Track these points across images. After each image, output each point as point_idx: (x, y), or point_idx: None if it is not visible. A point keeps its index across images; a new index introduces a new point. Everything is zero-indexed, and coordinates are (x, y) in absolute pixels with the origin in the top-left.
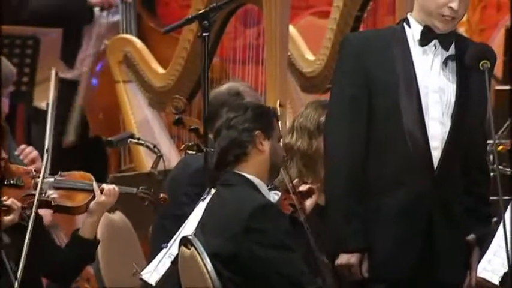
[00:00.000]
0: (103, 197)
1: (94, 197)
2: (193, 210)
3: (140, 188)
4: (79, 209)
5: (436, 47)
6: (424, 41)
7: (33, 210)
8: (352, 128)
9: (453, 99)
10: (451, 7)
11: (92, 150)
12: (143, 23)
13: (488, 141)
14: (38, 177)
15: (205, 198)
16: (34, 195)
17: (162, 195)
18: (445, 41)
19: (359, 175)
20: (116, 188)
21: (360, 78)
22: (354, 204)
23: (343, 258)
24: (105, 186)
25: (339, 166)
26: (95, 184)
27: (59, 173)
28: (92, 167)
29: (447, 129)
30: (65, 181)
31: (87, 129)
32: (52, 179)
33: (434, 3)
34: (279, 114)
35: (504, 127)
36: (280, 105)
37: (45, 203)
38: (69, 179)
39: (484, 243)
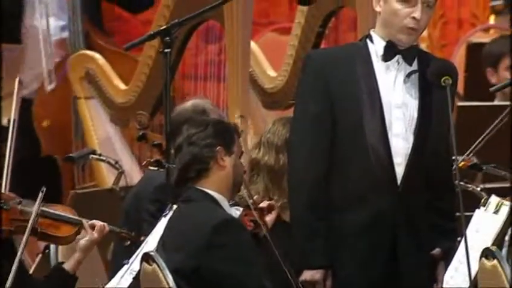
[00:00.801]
0: (95, 234)
1: (79, 230)
2: (154, 226)
3: (122, 228)
4: (64, 239)
5: (399, 63)
6: (387, 56)
7: (25, 237)
8: (315, 145)
9: (416, 115)
10: (414, 17)
11: (44, 168)
12: (91, 40)
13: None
14: (20, 203)
15: (167, 214)
16: (20, 220)
17: (143, 238)
18: (407, 56)
19: (322, 192)
20: (107, 227)
21: (323, 95)
22: (317, 221)
23: (307, 275)
24: (95, 222)
25: (302, 183)
26: (85, 221)
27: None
28: (45, 184)
29: (410, 145)
30: (52, 211)
31: (39, 147)
32: (37, 207)
33: (397, 15)
34: (239, 125)
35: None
36: (241, 117)
37: (31, 230)
38: (56, 210)
39: (449, 258)
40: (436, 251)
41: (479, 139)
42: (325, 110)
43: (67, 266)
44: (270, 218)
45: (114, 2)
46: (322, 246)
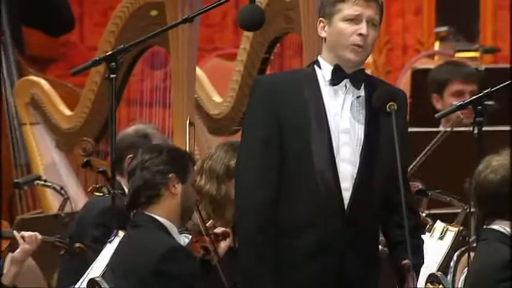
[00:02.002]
0: (27, 245)
1: (11, 243)
2: (99, 251)
3: (56, 236)
4: None
5: (346, 87)
6: (335, 80)
7: None
8: (263, 170)
9: (362, 140)
10: (360, 34)
11: None
12: (22, 68)
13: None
14: None
15: (113, 239)
16: None
17: (77, 244)
18: (355, 80)
19: (270, 217)
20: (39, 236)
21: (272, 120)
22: (264, 246)
23: None
24: (25, 233)
25: (249, 207)
26: (16, 232)
27: None
28: None
29: (356, 170)
30: None
31: None
32: None
33: (343, 34)
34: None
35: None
36: (190, 123)
37: None
38: None
39: (417, 272)
40: (406, 261)
41: (414, 162)
42: (273, 135)
43: (4, 279)
44: (224, 245)
45: (34, 27)
46: (269, 271)
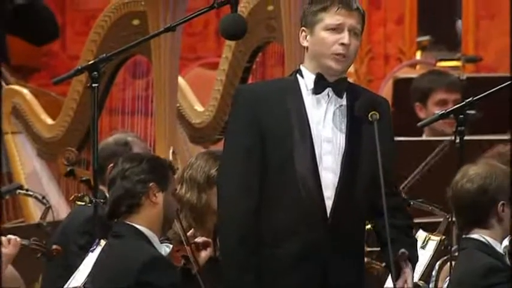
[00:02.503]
0: (7, 249)
1: None
2: (83, 260)
3: (32, 239)
4: None
5: (329, 96)
6: (317, 89)
7: None
8: (245, 179)
9: (344, 148)
10: (342, 43)
11: None
12: (4, 77)
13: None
14: None
15: (95, 249)
16: None
17: (54, 246)
18: (337, 89)
19: (252, 226)
20: (18, 239)
21: (254, 129)
22: (247, 256)
23: None
24: (3, 238)
25: (232, 217)
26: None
27: None
28: None
29: (338, 178)
30: None
31: None
32: None
33: (325, 43)
34: (173, 163)
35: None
36: (173, 153)
37: None
38: None
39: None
40: (401, 251)
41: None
42: (255, 144)
43: None
44: (205, 254)
45: (18, 35)
46: (253, 280)
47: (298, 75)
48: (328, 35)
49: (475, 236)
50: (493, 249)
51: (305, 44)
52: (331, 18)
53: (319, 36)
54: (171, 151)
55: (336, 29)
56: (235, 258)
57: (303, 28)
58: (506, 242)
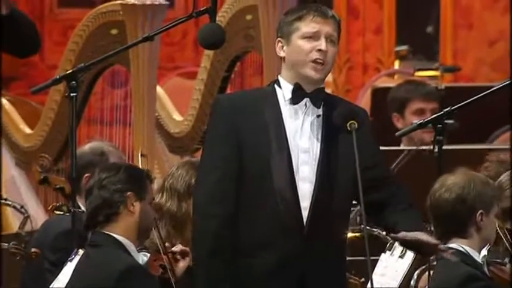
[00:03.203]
0: None
1: None
2: (56, 275)
3: (11, 243)
4: None
5: (306, 106)
6: (295, 99)
7: None
8: (220, 188)
9: (321, 158)
10: (319, 49)
11: None
12: None
13: (354, 202)
14: None
15: (73, 258)
16: None
17: (33, 249)
18: (315, 99)
19: (226, 235)
20: None
21: (231, 138)
22: (221, 265)
23: None
24: None
25: (206, 226)
26: None
27: None
28: None
29: (316, 189)
30: None
31: None
32: None
33: (303, 51)
34: (141, 163)
35: None
36: (142, 155)
37: None
38: None
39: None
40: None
41: None
42: (232, 153)
43: None
44: (183, 264)
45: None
46: None
47: (276, 86)
48: (305, 42)
49: (453, 245)
50: (471, 258)
51: (282, 54)
52: (307, 26)
53: (296, 45)
54: (139, 153)
55: (313, 36)
56: (209, 268)
57: (279, 39)
58: (484, 252)
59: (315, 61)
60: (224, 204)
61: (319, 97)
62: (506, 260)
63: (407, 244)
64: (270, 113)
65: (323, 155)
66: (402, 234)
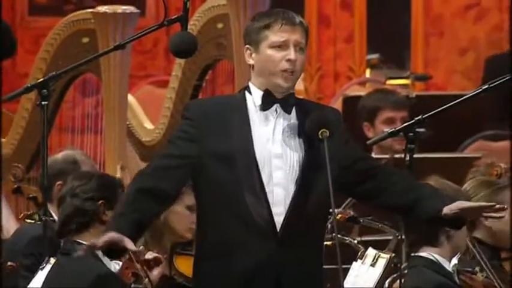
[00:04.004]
0: None
1: None
2: (29, 280)
3: None
4: None
5: (277, 112)
6: (265, 105)
7: None
8: (159, 161)
9: (296, 164)
10: (289, 59)
11: None
12: None
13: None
14: None
15: (44, 267)
16: None
17: (9, 263)
18: (285, 105)
19: (153, 189)
20: None
21: (195, 140)
22: (135, 198)
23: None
24: None
25: (135, 178)
26: None
27: None
28: None
29: (290, 193)
30: None
31: None
32: None
33: (272, 61)
34: (122, 179)
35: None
36: (121, 168)
37: None
38: None
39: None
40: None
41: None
42: (187, 155)
43: None
44: (157, 272)
45: None
46: (121, 213)
47: (246, 92)
48: (274, 52)
49: (424, 254)
50: (442, 267)
51: (251, 62)
52: (275, 35)
53: (265, 54)
54: (119, 166)
55: (281, 46)
56: (126, 195)
57: (247, 46)
58: (455, 261)
59: (284, 71)
60: (161, 180)
61: (289, 102)
62: (477, 268)
63: (462, 215)
64: (237, 119)
65: (297, 161)
66: (449, 209)
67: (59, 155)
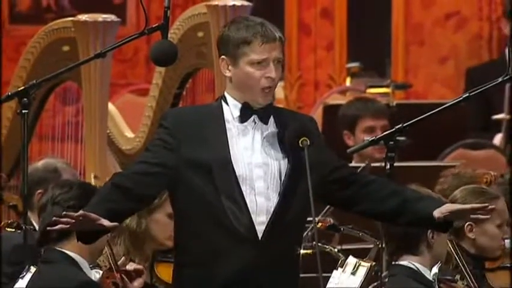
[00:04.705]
0: None
1: None
2: None
3: None
4: None
5: (255, 122)
6: (243, 117)
7: None
8: (137, 166)
9: (277, 173)
10: (269, 77)
11: None
12: None
13: (308, 219)
14: None
15: (25, 276)
16: None
17: None
18: (263, 115)
19: (128, 189)
20: None
21: (169, 154)
22: (111, 190)
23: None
24: None
25: (113, 177)
26: None
27: None
28: None
29: (272, 203)
30: None
31: None
32: None
33: (252, 78)
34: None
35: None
36: (95, 177)
37: None
38: None
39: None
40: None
41: None
42: (164, 163)
43: None
44: (138, 283)
45: None
46: (95, 203)
47: (223, 102)
48: (254, 69)
49: (404, 262)
50: (422, 276)
51: (227, 74)
52: (255, 53)
53: (245, 71)
54: (92, 176)
55: (261, 62)
56: (103, 188)
57: (224, 57)
58: (435, 270)
59: (264, 88)
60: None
61: (267, 113)
62: (457, 277)
63: (452, 218)
64: (215, 129)
65: (278, 170)
66: (440, 212)
67: (40, 163)
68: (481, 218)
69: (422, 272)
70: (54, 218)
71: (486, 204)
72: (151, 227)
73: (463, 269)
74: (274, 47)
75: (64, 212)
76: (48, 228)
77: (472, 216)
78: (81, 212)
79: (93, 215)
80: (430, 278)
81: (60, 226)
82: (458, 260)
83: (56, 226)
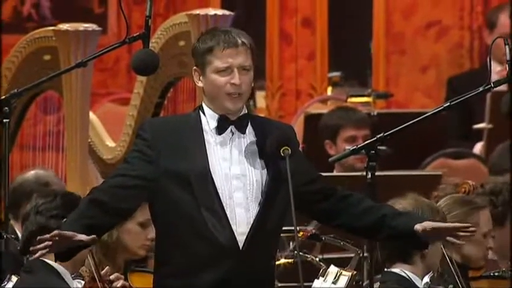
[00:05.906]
0: None
1: None
2: None
3: None
4: None
5: (233, 133)
6: (220, 129)
7: None
8: (115, 180)
9: (256, 184)
10: (233, 83)
11: None
12: None
13: (290, 228)
14: None
15: (6, 285)
16: None
17: None
18: (239, 125)
19: (104, 203)
20: None
21: (147, 165)
22: (88, 205)
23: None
24: None
25: (91, 191)
26: None
27: None
28: None
29: (252, 214)
30: None
31: None
32: None
33: (217, 85)
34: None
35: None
36: None
37: None
38: None
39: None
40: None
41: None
42: (143, 176)
43: None
44: (120, 284)
45: None
46: (73, 220)
47: (200, 113)
48: (218, 76)
49: (396, 269)
50: (413, 284)
51: (200, 84)
52: (218, 60)
53: (210, 79)
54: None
55: (225, 70)
56: (79, 205)
57: (195, 68)
58: (426, 279)
59: (229, 94)
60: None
61: (243, 123)
62: (451, 286)
63: (432, 235)
64: (193, 140)
65: (257, 180)
66: (422, 226)
67: (31, 175)
68: (464, 236)
69: (414, 280)
70: (31, 248)
71: (468, 225)
72: (123, 236)
73: (456, 278)
74: (238, 52)
75: (38, 238)
76: (29, 257)
77: (448, 238)
78: (55, 232)
79: (68, 233)
80: (421, 286)
81: (40, 253)
82: (451, 268)
83: (36, 254)
